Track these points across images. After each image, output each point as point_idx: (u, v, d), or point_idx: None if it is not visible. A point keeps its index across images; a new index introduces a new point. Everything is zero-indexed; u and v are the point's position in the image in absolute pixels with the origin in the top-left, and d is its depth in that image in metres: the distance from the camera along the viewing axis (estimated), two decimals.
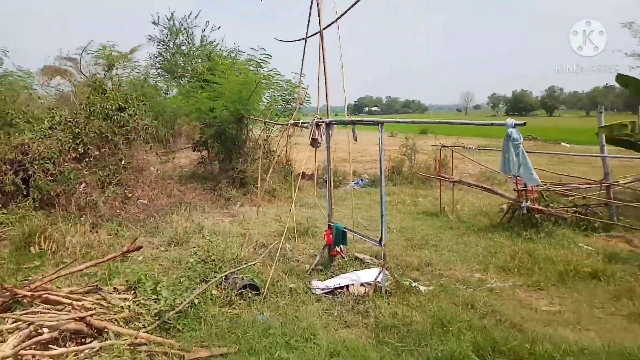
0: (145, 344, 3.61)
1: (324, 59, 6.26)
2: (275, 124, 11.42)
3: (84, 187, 9.88)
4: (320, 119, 6.42)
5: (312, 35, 6.54)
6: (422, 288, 5.42)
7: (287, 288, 5.51)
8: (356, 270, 6.04)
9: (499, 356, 3.61)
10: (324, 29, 6.27)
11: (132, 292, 4.52)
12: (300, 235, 8.06)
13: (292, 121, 7.21)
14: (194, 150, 13.54)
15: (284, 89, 13.16)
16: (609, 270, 6.32)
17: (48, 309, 3.81)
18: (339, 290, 5.39)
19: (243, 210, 10.94)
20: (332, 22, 6.17)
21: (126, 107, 11.31)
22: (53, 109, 11.27)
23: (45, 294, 3.88)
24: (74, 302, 3.92)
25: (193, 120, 13.24)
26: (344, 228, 6.19)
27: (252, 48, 11.46)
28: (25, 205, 9.03)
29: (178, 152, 16.58)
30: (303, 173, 15.55)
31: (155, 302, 4.25)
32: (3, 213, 8.79)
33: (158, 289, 4.45)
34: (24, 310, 3.80)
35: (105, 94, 11.53)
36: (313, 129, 6.41)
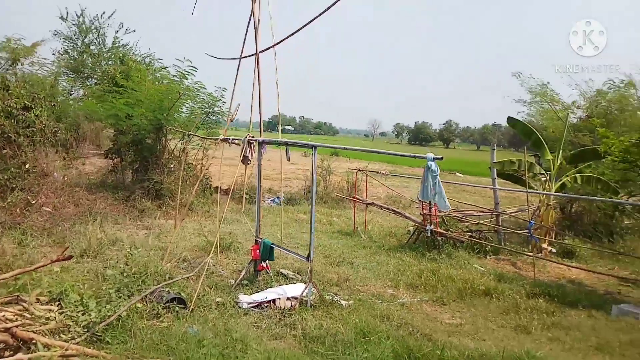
0: (77, 356, 3.52)
1: (259, 80, 6.54)
2: (200, 137, 11.36)
3: None
4: (252, 137, 6.65)
5: (248, 56, 6.79)
6: (343, 302, 5.83)
7: (213, 302, 5.57)
8: (281, 285, 6.28)
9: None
10: (260, 52, 6.55)
11: (57, 303, 4.32)
12: (223, 250, 8.11)
13: (222, 136, 7.31)
14: (105, 158, 12.85)
15: (205, 101, 13.12)
16: (499, 288, 7.25)
17: None
18: (266, 304, 5.59)
19: (159, 223, 10.63)
20: (269, 47, 6.48)
21: (32, 106, 10.54)
22: None
23: None
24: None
25: (108, 126, 12.59)
26: (272, 244, 6.42)
27: (177, 59, 11.36)
28: None
29: (82, 157, 15.58)
30: (217, 187, 15.49)
31: (82, 314, 4.12)
32: None
33: (84, 300, 4.31)
34: None
35: (8, 91, 10.62)
36: (245, 146, 6.62)
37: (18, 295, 4.11)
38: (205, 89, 11.66)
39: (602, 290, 8.11)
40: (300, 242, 9.87)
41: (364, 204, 11.85)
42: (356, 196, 12.23)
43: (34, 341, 3.50)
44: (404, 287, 7.22)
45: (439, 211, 9.88)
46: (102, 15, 24.69)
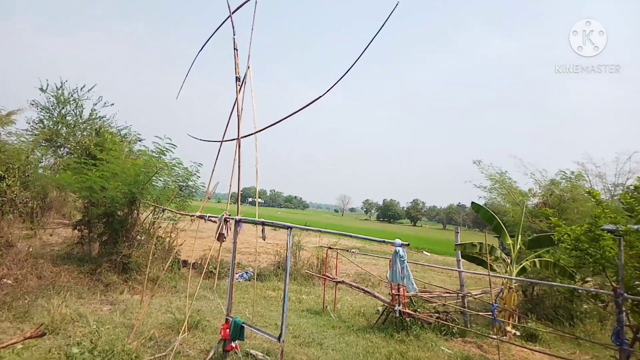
0: None
1: (239, 162, 6.92)
2: (175, 212, 11.47)
3: None
4: (229, 215, 6.90)
5: (230, 140, 7.25)
6: None
7: None
8: None
9: None
10: (242, 137, 7.01)
11: None
12: (190, 328, 7.98)
13: (198, 213, 7.52)
14: (74, 229, 12.66)
15: (180, 175, 13.40)
16: None
17: None
18: None
19: (124, 298, 10.37)
20: (251, 134, 6.95)
21: (5, 176, 10.56)
22: None
23: None
24: None
25: (81, 197, 12.56)
26: (243, 323, 6.43)
27: (157, 136, 11.74)
28: None
29: (49, 228, 15.25)
30: (185, 261, 15.34)
31: None
32: None
33: None
34: None
35: None
36: (221, 223, 6.84)
37: None
38: (182, 164, 11.99)
39: None
40: (268, 321, 9.79)
41: (333, 281, 11.94)
42: (326, 274, 12.34)
43: None
44: None
45: (407, 292, 10.10)
46: (82, 88, 25.42)
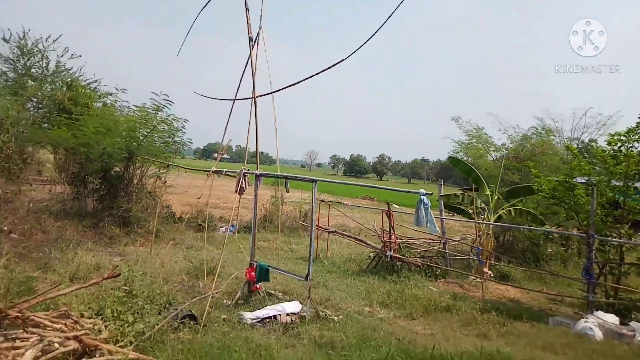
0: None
1: (256, 120, 7.35)
2: (184, 167, 11.77)
3: None
4: (247, 170, 7.41)
5: (245, 98, 7.63)
6: (335, 318, 6.63)
7: (219, 319, 6.15)
8: (275, 303, 6.95)
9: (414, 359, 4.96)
10: (258, 97, 7.40)
11: (100, 317, 4.75)
12: (208, 274, 8.59)
13: (214, 168, 7.97)
14: (69, 184, 12.77)
15: (164, 131, 13.45)
16: (456, 305, 8.39)
17: (33, 331, 3.93)
18: (268, 320, 6.26)
19: (129, 249, 10.83)
20: (267, 94, 7.35)
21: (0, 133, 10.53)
22: None
23: (31, 315, 3.99)
24: (54, 325, 4.11)
25: (74, 154, 12.54)
26: (268, 266, 7.11)
27: (153, 92, 11.67)
28: None
29: (37, 184, 15.22)
30: (175, 215, 15.74)
31: (121, 326, 4.61)
32: None
33: (122, 315, 4.79)
34: (12, 330, 3.86)
35: None
36: (240, 178, 7.35)
37: (66, 310, 4.52)
38: (179, 120, 12.11)
39: (536, 308, 9.50)
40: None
41: (326, 232, 12.74)
42: (319, 225, 13.10)
43: (99, 348, 3.98)
44: (377, 305, 8.15)
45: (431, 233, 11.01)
46: (47, 38, 24.18)
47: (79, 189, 12.68)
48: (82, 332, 4.06)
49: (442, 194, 12.67)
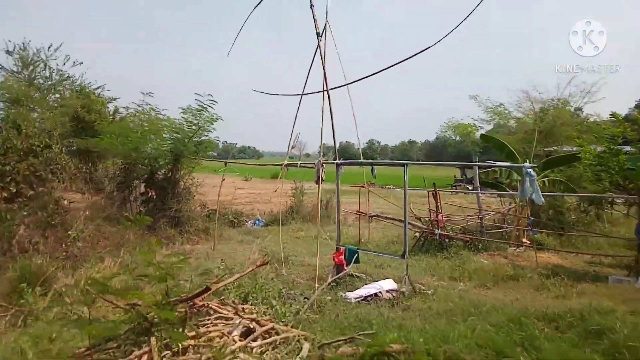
0: (303, 337, 4.48)
1: (331, 113, 7.75)
2: (245, 164, 12.11)
3: (24, 229, 9.09)
4: (325, 160, 7.84)
5: (315, 92, 8.01)
6: (428, 292, 7.14)
7: (326, 299, 6.61)
8: (366, 283, 7.43)
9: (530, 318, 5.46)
10: (330, 89, 7.79)
11: (249, 303, 5.20)
12: (284, 263, 9.04)
13: (286, 162, 8.37)
14: (115, 191, 13.02)
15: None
16: (519, 274, 8.95)
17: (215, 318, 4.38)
18: (370, 297, 6.74)
19: (189, 248, 11.23)
20: (341, 86, 7.76)
21: (52, 144, 10.74)
22: None
23: (211, 304, 4.43)
24: (222, 311, 4.55)
25: (124, 159, 12.78)
26: (357, 249, 7.58)
27: (197, 93, 11.84)
28: None
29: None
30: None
31: (270, 308, 5.08)
32: None
33: (269, 299, 5.25)
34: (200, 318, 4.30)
35: (19, 131, 10.73)
36: (319, 168, 7.77)
37: (223, 298, 4.96)
38: (222, 119, 12.34)
39: (581, 270, 10.11)
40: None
41: (369, 216, 13.23)
42: (360, 210, 13.58)
43: (273, 328, 4.43)
44: (447, 279, 8.69)
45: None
46: (48, 47, 24.03)
47: (125, 194, 12.93)
48: (254, 315, 4.50)
49: (477, 174, 13.18)
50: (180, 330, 3.90)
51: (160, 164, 12.13)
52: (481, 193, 12.90)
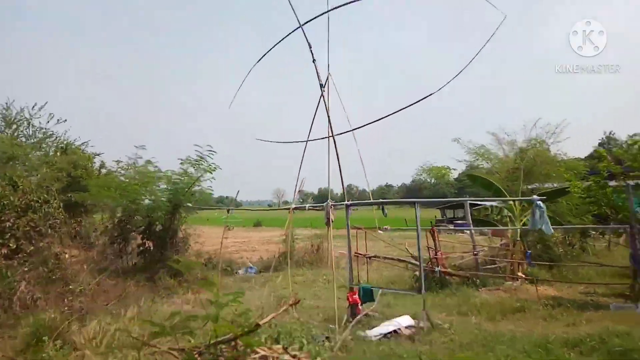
0: None
1: (337, 158, 8.10)
2: (263, 209, 12.14)
3: (25, 285, 8.89)
4: (334, 202, 8.09)
5: (320, 138, 8.39)
6: (445, 325, 7.27)
7: (347, 339, 6.67)
8: (382, 321, 7.50)
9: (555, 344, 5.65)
10: (336, 135, 8.18)
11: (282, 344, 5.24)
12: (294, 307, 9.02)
13: (294, 205, 8.59)
14: (112, 243, 12.85)
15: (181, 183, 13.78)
16: (524, 306, 9.17)
17: None
18: (389, 334, 6.82)
19: (189, 297, 11.08)
20: (347, 131, 8.16)
21: (50, 200, 10.71)
22: None
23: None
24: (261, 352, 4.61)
25: (123, 211, 12.71)
26: (372, 287, 7.70)
27: (196, 145, 12.08)
28: None
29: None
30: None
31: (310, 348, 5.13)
32: None
33: (297, 339, 5.30)
34: None
35: (15, 188, 10.69)
36: (328, 209, 8.01)
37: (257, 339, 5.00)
38: (221, 169, 12.53)
39: (580, 301, 10.40)
40: (323, 300, 10.86)
41: (366, 257, 13.35)
42: (357, 252, 13.70)
43: None
44: (456, 314, 8.83)
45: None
46: (33, 107, 24.04)
47: (121, 247, 12.78)
48: (295, 353, 4.57)
49: (469, 212, 13.63)
50: None
51: (159, 214, 12.12)
52: (474, 230, 13.28)
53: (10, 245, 9.26)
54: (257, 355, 4.58)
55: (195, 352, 4.19)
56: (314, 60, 8.42)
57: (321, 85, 8.37)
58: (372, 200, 7.80)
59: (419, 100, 7.38)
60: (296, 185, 8.72)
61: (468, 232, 15.54)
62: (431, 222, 14.93)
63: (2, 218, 9.58)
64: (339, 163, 8.11)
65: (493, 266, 13.79)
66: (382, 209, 7.97)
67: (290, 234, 20.02)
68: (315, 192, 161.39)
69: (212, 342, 4.28)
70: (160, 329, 4.26)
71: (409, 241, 18.41)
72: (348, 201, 8.14)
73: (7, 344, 6.85)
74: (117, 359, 6.07)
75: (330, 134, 8.19)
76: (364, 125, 8.06)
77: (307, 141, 8.43)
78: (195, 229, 15.59)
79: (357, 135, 8.86)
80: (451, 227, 32.06)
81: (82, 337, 6.52)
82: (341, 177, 8.15)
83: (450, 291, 11.06)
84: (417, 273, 12.69)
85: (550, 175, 16.68)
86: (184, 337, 4.60)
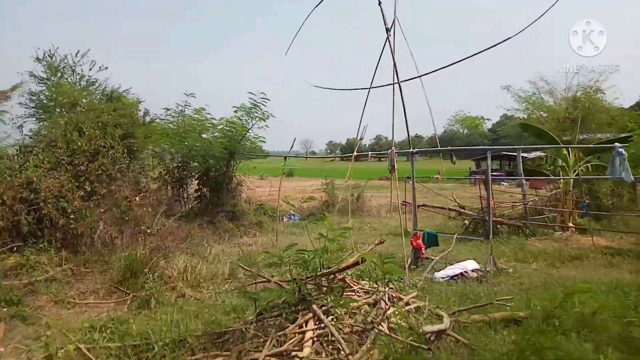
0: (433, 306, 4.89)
1: (403, 104, 8.10)
2: (312, 157, 12.43)
3: (103, 225, 9.53)
4: (398, 149, 8.19)
5: (384, 85, 8.37)
6: (510, 270, 7.50)
7: (416, 280, 6.97)
8: (446, 265, 7.78)
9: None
10: (402, 82, 8.15)
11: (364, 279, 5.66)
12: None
13: (355, 153, 8.73)
14: (172, 189, 13.44)
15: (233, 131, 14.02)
16: (582, 254, 9.25)
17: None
18: (456, 277, 7.09)
19: (249, 240, 11.63)
20: (412, 78, 8.11)
21: (115, 145, 11.17)
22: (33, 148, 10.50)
23: (346, 278, 4.91)
24: (353, 285, 4.99)
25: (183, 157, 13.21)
26: (436, 232, 7.94)
27: (250, 92, 12.19)
28: (42, 246, 8.45)
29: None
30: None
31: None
32: (24, 255, 8.09)
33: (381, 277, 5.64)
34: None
35: (81, 134, 11.16)
36: (393, 157, 8.13)
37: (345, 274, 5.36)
38: (274, 116, 12.67)
39: (636, 250, 10.32)
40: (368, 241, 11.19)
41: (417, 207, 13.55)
42: (405, 200, 13.91)
43: (401, 298, 4.84)
44: (514, 260, 9.01)
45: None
46: (76, 54, 24.40)
47: (179, 192, 13.36)
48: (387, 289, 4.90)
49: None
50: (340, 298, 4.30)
51: (215, 161, 12.52)
52: (525, 179, 13.19)
53: (86, 187, 9.84)
54: (357, 287, 4.97)
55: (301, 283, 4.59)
56: (380, 2, 8.26)
57: (387, 29, 8.25)
58: (439, 148, 7.84)
59: (494, 45, 7.23)
60: (358, 132, 8.80)
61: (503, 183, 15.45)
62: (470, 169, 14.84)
63: (75, 162, 10.14)
64: (404, 110, 8.15)
65: (542, 216, 13.79)
66: (451, 157, 8.02)
67: (331, 183, 20.43)
68: (344, 142, 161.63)
69: (318, 273, 4.67)
70: (279, 259, 4.69)
71: (455, 192, 18.53)
72: (413, 149, 8.22)
73: (101, 278, 7.48)
74: (207, 290, 6.61)
75: (396, 80, 8.16)
76: (435, 71, 8.01)
77: (370, 88, 8.44)
78: (245, 176, 16.11)
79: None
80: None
81: (172, 271, 7.05)
82: (407, 125, 8.21)
83: (501, 239, 11.18)
84: (466, 222, 12.93)
85: (604, 124, 16.20)
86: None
